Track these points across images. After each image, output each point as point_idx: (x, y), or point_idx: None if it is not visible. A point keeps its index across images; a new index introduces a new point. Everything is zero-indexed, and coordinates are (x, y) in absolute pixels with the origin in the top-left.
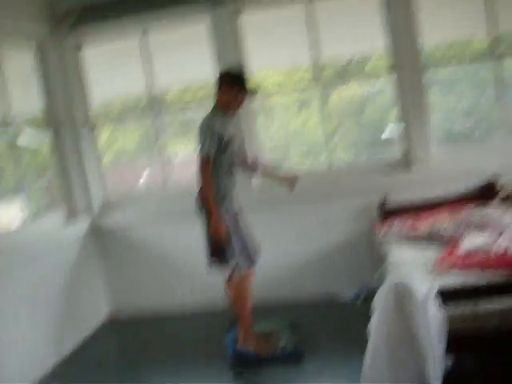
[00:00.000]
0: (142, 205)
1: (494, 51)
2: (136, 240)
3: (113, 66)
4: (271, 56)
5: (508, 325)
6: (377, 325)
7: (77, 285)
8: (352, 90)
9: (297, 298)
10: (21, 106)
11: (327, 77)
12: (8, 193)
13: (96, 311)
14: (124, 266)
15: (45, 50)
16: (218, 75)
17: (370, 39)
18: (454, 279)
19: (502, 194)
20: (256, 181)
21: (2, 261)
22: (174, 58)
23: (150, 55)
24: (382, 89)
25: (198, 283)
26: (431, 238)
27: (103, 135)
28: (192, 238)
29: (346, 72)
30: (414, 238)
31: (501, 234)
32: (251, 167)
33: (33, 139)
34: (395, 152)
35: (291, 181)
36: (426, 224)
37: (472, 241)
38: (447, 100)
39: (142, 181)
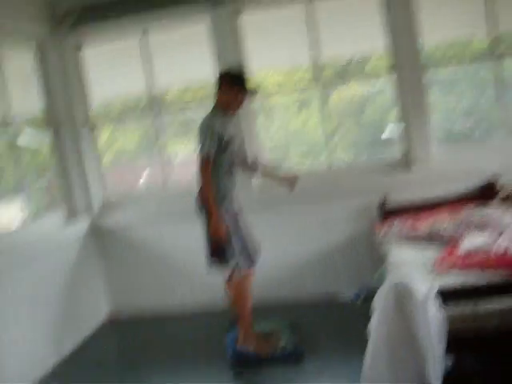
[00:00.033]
0: (141, 205)
1: (494, 51)
2: (136, 240)
3: (113, 66)
4: (271, 56)
5: (508, 325)
6: (377, 325)
7: (77, 285)
8: (352, 90)
9: (297, 297)
10: (21, 105)
11: (327, 77)
12: (8, 193)
13: (96, 311)
14: (124, 265)
15: (45, 50)
16: (217, 75)
17: (369, 39)
18: (454, 279)
19: (501, 194)
20: (256, 181)
21: (2, 261)
22: (174, 58)
23: (150, 55)
24: (382, 89)
25: (197, 283)
26: (431, 238)
27: (103, 135)
28: (192, 237)
29: (345, 72)
30: (414, 238)
31: (501, 234)
32: (251, 167)
33: (33, 139)
34: (395, 152)
35: (291, 181)
36: (425, 224)
37: (472, 241)
38: (447, 100)
39: (142, 181)
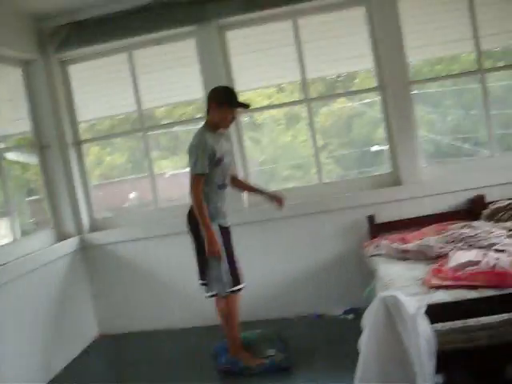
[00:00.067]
0: (130, 222)
1: (481, 67)
2: (125, 257)
3: (100, 84)
4: (259, 72)
5: (498, 340)
6: (367, 341)
7: (65, 303)
8: (340, 106)
9: (286, 315)
10: (8, 124)
11: (315, 93)
12: None
13: (85, 329)
14: (113, 283)
15: (32, 69)
16: (207, 94)
17: (357, 55)
18: (443, 295)
19: (489, 210)
20: (245, 196)
21: None
22: (162, 74)
23: (138, 72)
24: (370, 104)
25: (187, 299)
26: (420, 254)
27: (91, 153)
28: (181, 254)
29: (334, 88)
30: (403, 254)
31: (489, 249)
32: (239, 185)
33: (21, 158)
34: (384, 168)
35: (279, 199)
36: (414, 240)
37: (460, 257)
38: (435, 116)
39: (130, 198)
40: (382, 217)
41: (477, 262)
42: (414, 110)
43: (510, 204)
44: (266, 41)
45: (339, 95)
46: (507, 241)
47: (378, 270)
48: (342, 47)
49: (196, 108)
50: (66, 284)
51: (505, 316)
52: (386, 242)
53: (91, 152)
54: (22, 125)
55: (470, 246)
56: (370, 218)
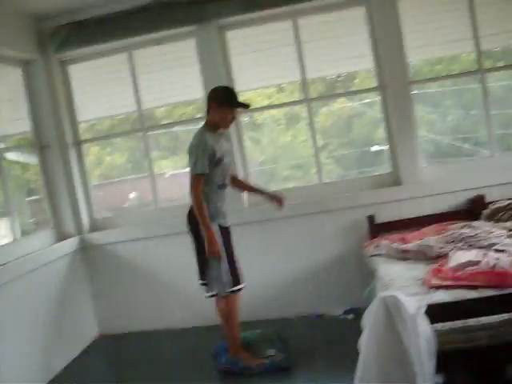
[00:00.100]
0: (130, 222)
1: (480, 67)
2: (125, 257)
3: (100, 84)
4: (259, 72)
5: (498, 340)
6: (367, 340)
7: (65, 303)
8: (340, 106)
9: (286, 315)
10: (8, 124)
11: (315, 92)
12: None
13: (85, 329)
14: (113, 282)
15: (32, 69)
16: (207, 94)
17: (357, 55)
18: (443, 295)
19: (489, 210)
20: (245, 196)
21: None
22: (162, 74)
23: (138, 72)
24: (370, 104)
25: (188, 299)
26: (420, 254)
27: (92, 153)
28: (181, 254)
29: (334, 87)
30: (403, 254)
31: (489, 249)
32: (239, 185)
33: (21, 158)
34: (384, 168)
35: (279, 199)
36: (414, 240)
37: (460, 257)
38: (435, 116)
39: (130, 198)
40: (382, 217)
41: (477, 262)
42: (414, 110)
43: (510, 204)
44: (265, 41)
45: (339, 95)
46: (507, 241)
47: (377, 270)
48: (342, 47)
49: (196, 108)
50: (66, 284)
51: (505, 316)
52: (385, 242)
53: (91, 152)
54: (22, 125)
55: (470, 246)
56: (370, 218)
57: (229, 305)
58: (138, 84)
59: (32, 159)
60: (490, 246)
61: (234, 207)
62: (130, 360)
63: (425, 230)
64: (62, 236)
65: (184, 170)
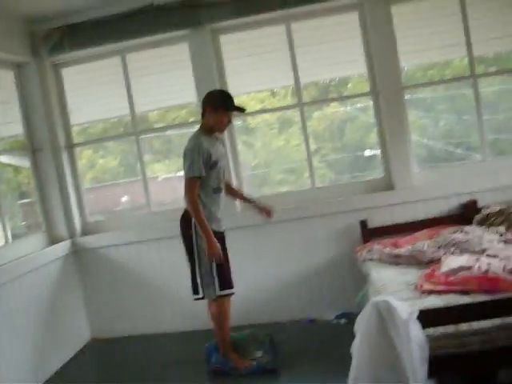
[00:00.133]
0: (123, 226)
1: (473, 73)
2: (117, 261)
3: (93, 88)
4: (252, 76)
5: (490, 345)
6: (359, 346)
7: (58, 306)
8: (333, 110)
9: (278, 319)
10: (1, 127)
11: (309, 97)
12: None
13: (78, 332)
14: (105, 286)
15: (25, 71)
16: (203, 98)
17: (350, 60)
18: (436, 300)
19: (481, 215)
20: (238, 201)
21: None
22: (155, 78)
23: (131, 76)
24: (362, 109)
25: (181, 303)
26: (412, 258)
27: (84, 156)
28: (174, 258)
29: (327, 92)
30: (396, 259)
31: (481, 254)
32: (231, 192)
33: (13, 161)
34: (377, 173)
35: (268, 212)
36: (407, 245)
37: (453, 262)
38: (427, 121)
39: (123, 202)
40: (375, 221)
41: (469, 267)
42: (406, 115)
43: (502, 209)
44: (259, 45)
45: (332, 100)
46: (499, 246)
47: (370, 275)
48: (335, 52)
49: (189, 112)
50: (57, 288)
51: (497, 321)
52: (378, 247)
53: (84, 155)
54: (15, 127)
55: (463, 251)
56: (363, 223)
57: (219, 308)
58: (131, 87)
59: (24, 162)
60: (482, 251)
61: (227, 211)
62: (122, 364)
63: (417, 234)
64: (53, 239)
65: (177, 174)
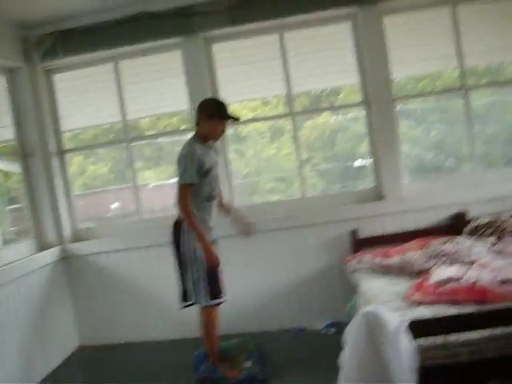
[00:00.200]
0: (113, 233)
1: (464, 84)
2: (107, 267)
3: (85, 94)
4: (244, 85)
5: (479, 356)
6: (348, 356)
7: (46, 313)
8: (325, 120)
9: (267, 329)
10: None
11: (300, 106)
12: None
13: (66, 339)
14: (95, 293)
15: (17, 77)
16: (197, 106)
17: (342, 70)
18: (425, 311)
19: (471, 226)
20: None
21: None
22: (148, 85)
23: (124, 83)
24: (354, 119)
25: (170, 311)
26: (402, 269)
27: (75, 162)
28: (165, 266)
29: (318, 102)
30: (385, 269)
31: (470, 265)
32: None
33: (3, 166)
34: (367, 183)
35: (248, 229)
36: (396, 255)
37: (442, 273)
38: (418, 132)
39: (113, 209)
40: (365, 231)
41: (458, 278)
42: (397, 126)
43: (490, 221)
44: (251, 54)
45: (324, 109)
46: (488, 257)
47: (360, 285)
48: (328, 62)
49: (181, 119)
50: (46, 294)
51: (486, 332)
52: (368, 257)
53: (74, 161)
54: (6, 133)
55: (452, 262)
56: (353, 233)
57: (208, 316)
58: (123, 94)
59: (14, 167)
60: (471, 262)
61: (217, 220)
62: (109, 372)
63: (407, 245)
64: (43, 246)
65: (167, 181)
